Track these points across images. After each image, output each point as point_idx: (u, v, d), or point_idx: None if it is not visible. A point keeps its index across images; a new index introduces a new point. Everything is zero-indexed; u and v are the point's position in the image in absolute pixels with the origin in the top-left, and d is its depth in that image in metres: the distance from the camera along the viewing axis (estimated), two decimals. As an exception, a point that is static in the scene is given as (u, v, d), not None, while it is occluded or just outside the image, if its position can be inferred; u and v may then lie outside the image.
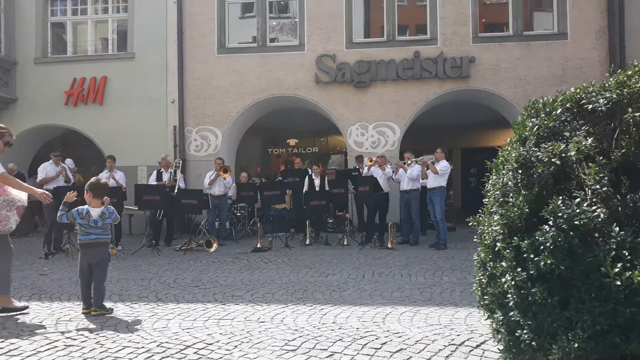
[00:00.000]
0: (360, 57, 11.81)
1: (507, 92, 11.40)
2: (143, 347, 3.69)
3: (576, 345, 1.88)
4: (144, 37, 12.25)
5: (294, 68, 12.00)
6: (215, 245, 9.11)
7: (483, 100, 12.35)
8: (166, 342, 3.80)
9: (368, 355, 3.48)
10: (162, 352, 3.59)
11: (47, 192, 5.09)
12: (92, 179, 5.07)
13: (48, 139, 13.39)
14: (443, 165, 9.30)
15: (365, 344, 3.70)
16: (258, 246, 8.95)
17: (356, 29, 12.17)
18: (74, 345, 3.75)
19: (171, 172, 10.20)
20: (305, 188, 10.58)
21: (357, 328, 4.12)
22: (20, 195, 4.89)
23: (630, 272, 1.81)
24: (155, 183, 10.07)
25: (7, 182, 4.80)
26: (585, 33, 11.25)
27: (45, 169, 9.11)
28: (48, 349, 3.67)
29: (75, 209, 4.83)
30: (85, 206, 4.84)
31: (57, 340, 3.87)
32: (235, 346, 3.70)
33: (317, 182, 10.73)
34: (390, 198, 10.04)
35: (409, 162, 9.67)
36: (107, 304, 4.83)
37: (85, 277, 4.77)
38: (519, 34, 11.59)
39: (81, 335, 4.03)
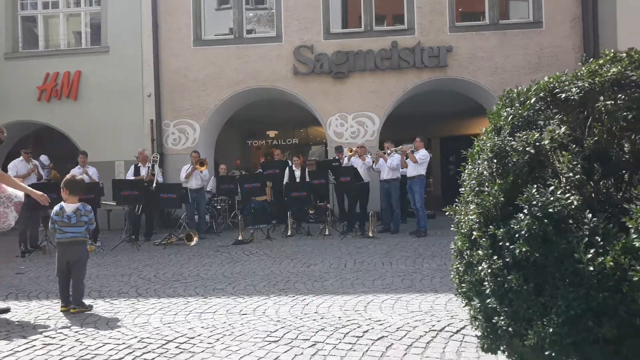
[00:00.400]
0: (338, 48, 11.79)
1: (484, 81, 11.50)
2: (124, 343, 3.66)
3: (551, 330, 1.92)
4: (118, 30, 12.03)
5: (272, 59, 11.93)
6: (195, 239, 9.05)
7: (461, 89, 12.45)
8: (147, 338, 3.77)
9: (350, 343, 3.51)
10: (143, 347, 3.57)
11: (45, 194, 5.01)
12: (67, 176, 5.00)
13: (22, 136, 13.10)
14: (422, 154, 9.38)
15: (347, 333, 3.73)
16: (239, 238, 8.93)
17: (333, 20, 12.13)
18: (52, 344, 3.70)
19: (149, 167, 10.09)
20: (286, 179, 10.57)
21: (339, 317, 4.15)
22: (17, 192, 4.83)
23: (603, 258, 1.85)
24: (133, 178, 9.95)
25: (5, 180, 4.74)
26: (560, 21, 11.39)
27: (16, 167, 8.91)
28: (26, 349, 3.62)
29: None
30: (60, 203, 4.77)
31: (35, 340, 3.82)
32: (217, 339, 3.70)
33: (297, 173, 10.72)
34: (370, 187, 10.10)
35: (389, 151, 9.72)
36: (87, 301, 4.78)
37: (64, 275, 4.71)
38: (495, 23, 11.68)
39: (60, 333, 3.98)
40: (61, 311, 4.63)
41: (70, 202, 4.79)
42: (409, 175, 9.48)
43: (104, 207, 9.95)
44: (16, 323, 4.32)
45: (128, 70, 11.94)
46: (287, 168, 10.77)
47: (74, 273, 4.69)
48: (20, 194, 4.86)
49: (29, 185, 8.21)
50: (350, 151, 10.39)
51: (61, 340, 3.81)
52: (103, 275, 6.43)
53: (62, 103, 12.07)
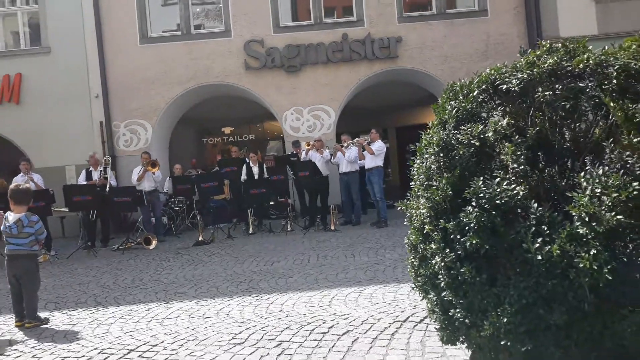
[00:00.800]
0: (289, 41, 11.73)
1: (435, 70, 11.70)
2: (84, 356, 3.58)
3: (505, 319, 1.99)
4: (59, 30, 11.54)
5: (222, 55, 11.76)
6: (154, 242, 8.88)
7: (413, 79, 12.62)
8: (108, 348, 3.70)
9: (316, 340, 3.55)
10: (104, 359, 3.50)
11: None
12: (11, 186, 4.81)
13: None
14: (378, 146, 9.49)
15: (312, 330, 3.76)
16: (200, 239, 8.81)
17: (283, 13, 12.04)
18: (8, 364, 3.58)
19: (101, 170, 9.81)
20: (244, 177, 10.48)
21: (304, 314, 4.17)
22: None
23: (550, 247, 1.92)
24: (85, 182, 9.65)
25: None
26: (504, 10, 11.68)
27: None
28: (-21, 371, 3.49)
29: None
30: (8, 212, 4.60)
31: (-11, 360, 3.68)
32: (181, 345, 3.66)
33: (255, 169, 10.65)
34: (329, 181, 10.15)
35: (346, 144, 9.78)
36: (42, 314, 4.64)
37: (15, 289, 4.56)
38: (442, 12, 11.87)
39: (15, 350, 3.85)
40: (16, 326, 4.49)
41: (17, 212, 4.63)
42: (367, 167, 9.58)
43: (56, 215, 9.60)
44: (-33, 344, 4.15)
45: (72, 71, 11.51)
46: (245, 165, 10.68)
47: (23, 286, 4.55)
48: None
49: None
50: (308, 145, 10.39)
51: (17, 357, 3.69)
52: (59, 285, 6.24)
53: (3, 107, 11.53)
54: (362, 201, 10.29)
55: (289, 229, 9.50)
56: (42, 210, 7.88)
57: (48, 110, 11.47)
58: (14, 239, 4.57)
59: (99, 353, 3.62)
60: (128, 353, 3.58)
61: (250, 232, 9.57)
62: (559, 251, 1.90)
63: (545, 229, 1.98)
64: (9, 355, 3.74)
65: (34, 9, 11.88)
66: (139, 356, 3.51)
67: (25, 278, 4.55)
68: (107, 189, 9.41)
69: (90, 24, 11.53)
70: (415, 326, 3.68)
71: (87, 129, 11.59)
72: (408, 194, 2.72)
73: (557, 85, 2.37)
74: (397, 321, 3.82)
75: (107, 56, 11.62)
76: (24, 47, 11.97)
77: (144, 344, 3.76)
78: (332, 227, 9.21)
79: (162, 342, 3.75)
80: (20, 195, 4.71)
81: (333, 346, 3.41)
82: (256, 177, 10.45)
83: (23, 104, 11.57)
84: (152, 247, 8.76)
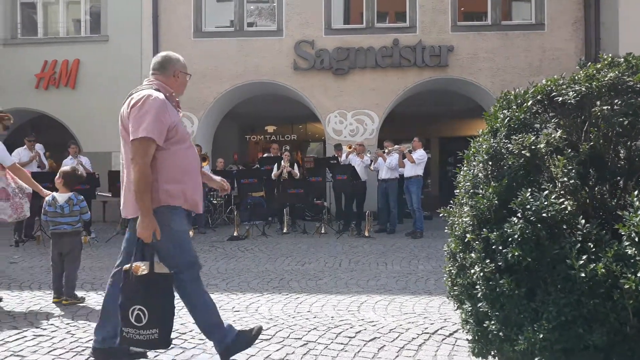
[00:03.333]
0: (339, 44, 11.75)
1: (485, 82, 11.48)
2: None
3: (541, 335, 1.91)
4: (118, 19, 11.97)
5: (272, 54, 11.88)
6: (191, 234, 9.00)
7: (461, 90, 12.43)
8: (138, 332, 3.75)
9: (342, 344, 3.50)
10: (134, 341, 3.55)
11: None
12: (67, 168, 4.96)
13: (18, 124, 13.04)
14: (420, 154, 9.36)
15: (339, 333, 3.72)
16: (235, 234, 8.91)
17: (335, 15, 12.09)
18: (43, 335, 3.69)
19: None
20: (275, 171, 10.38)
21: (332, 317, 4.14)
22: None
23: (595, 264, 1.84)
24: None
25: (17, 173, 4.76)
26: (562, 24, 11.37)
27: (19, 154, 8.95)
28: (16, 339, 3.60)
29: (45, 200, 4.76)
30: (52, 193, 4.75)
31: (26, 330, 3.80)
32: (209, 335, 3.68)
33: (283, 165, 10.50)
34: (368, 186, 10.08)
35: (387, 150, 9.70)
36: (79, 293, 4.76)
37: (57, 266, 4.70)
38: (497, 24, 11.66)
39: (51, 325, 3.96)
40: (53, 302, 4.62)
41: (62, 192, 4.77)
42: (406, 175, 9.46)
43: (99, 199, 9.91)
44: (7, 313, 4.31)
45: (127, 60, 11.88)
46: (276, 163, 10.68)
47: (66, 264, 4.68)
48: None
49: (30, 173, 8.26)
50: (350, 147, 10.35)
51: (52, 332, 3.79)
52: (97, 267, 6.42)
53: (60, 91, 12.03)
54: (399, 210, 10.18)
55: (322, 231, 9.48)
56: (86, 193, 8.13)
57: (100, 97, 11.87)
58: (64, 217, 4.71)
59: (129, 334, 3.68)
60: (157, 337, 3.62)
61: (284, 231, 9.61)
62: (604, 270, 1.81)
63: (592, 246, 1.90)
64: (45, 329, 3.86)
65: (96, -3, 12.36)
66: (167, 341, 3.55)
67: (70, 256, 4.70)
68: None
69: (148, 15, 11.90)
70: (443, 339, 3.59)
71: (136, 117, 11.90)
72: (451, 201, 2.66)
73: (616, 100, 2.27)
74: (425, 332, 3.73)
75: (161, 47, 11.91)
76: (84, 35, 12.44)
77: (174, 331, 3.79)
78: (366, 234, 9.14)
79: (190, 331, 3.79)
80: (75, 179, 4.87)
81: (359, 351, 3.37)
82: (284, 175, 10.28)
83: (78, 89, 12.03)
84: (188, 237, 8.88)
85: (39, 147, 10.07)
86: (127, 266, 2.74)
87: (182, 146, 2.89)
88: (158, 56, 3.11)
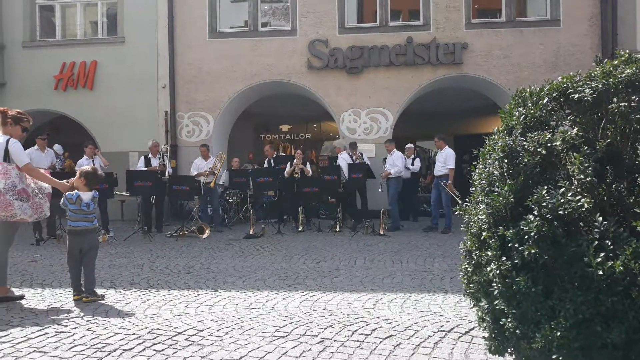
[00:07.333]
0: (353, 43, 11.74)
1: (500, 79, 11.39)
2: (134, 334, 3.71)
3: (559, 333, 1.91)
4: (134, 21, 12.11)
5: (286, 53, 11.92)
6: (207, 232, 9.11)
7: (476, 87, 12.34)
8: (157, 329, 3.82)
9: (358, 341, 3.52)
10: (153, 338, 3.61)
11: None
12: (88, 168, 5.04)
13: (37, 124, 13.25)
14: (449, 154, 9.61)
15: (355, 330, 3.74)
16: (250, 232, 8.97)
17: (349, 14, 12.08)
18: (64, 332, 3.76)
19: (159, 158, 10.14)
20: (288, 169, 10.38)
21: (348, 314, 4.16)
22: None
23: (612, 262, 1.83)
24: (145, 169, 10.00)
25: (31, 173, 4.80)
26: (578, 20, 11.23)
27: (30, 154, 8.87)
28: (39, 336, 3.68)
29: (64, 196, 4.81)
30: (75, 191, 4.81)
31: (48, 327, 3.88)
32: (226, 332, 3.73)
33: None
34: (377, 184, 10.10)
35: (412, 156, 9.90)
36: (99, 291, 4.84)
37: (76, 264, 4.77)
38: (512, 20, 11.55)
39: (72, 321, 4.04)
40: (74, 300, 4.69)
41: (82, 191, 4.85)
42: (437, 174, 9.66)
43: (117, 198, 10.04)
44: (30, 310, 4.40)
45: (143, 61, 12.03)
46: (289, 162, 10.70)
47: (86, 261, 4.75)
48: (48, 185, 4.96)
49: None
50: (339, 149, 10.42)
51: (73, 328, 3.86)
52: (115, 265, 6.51)
53: (78, 92, 12.20)
54: (414, 209, 10.18)
55: (337, 229, 9.50)
56: (105, 193, 8.26)
57: (118, 97, 12.04)
58: (86, 215, 4.79)
59: (148, 332, 3.74)
60: (175, 335, 3.68)
61: (299, 229, 9.65)
62: (622, 268, 1.80)
63: (609, 244, 1.89)
64: (66, 325, 3.93)
65: (113, 0, 12.48)
66: (185, 339, 3.60)
67: (90, 253, 4.78)
68: (166, 176, 9.73)
69: (164, 16, 12.02)
70: (460, 337, 3.59)
71: (153, 117, 12.07)
72: (467, 199, 2.66)
73: (633, 97, 2.25)
74: (441, 330, 3.73)
75: (176, 48, 12.05)
76: (101, 36, 12.61)
77: (191, 328, 3.85)
78: (381, 232, 9.14)
79: (208, 328, 3.83)
80: (96, 180, 4.95)
81: (375, 348, 3.38)
82: (297, 175, 10.24)
83: (96, 90, 12.20)
84: (204, 236, 8.99)
85: (57, 147, 10.24)
86: None
87: None
88: None
